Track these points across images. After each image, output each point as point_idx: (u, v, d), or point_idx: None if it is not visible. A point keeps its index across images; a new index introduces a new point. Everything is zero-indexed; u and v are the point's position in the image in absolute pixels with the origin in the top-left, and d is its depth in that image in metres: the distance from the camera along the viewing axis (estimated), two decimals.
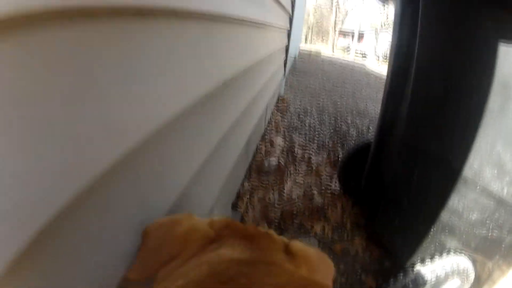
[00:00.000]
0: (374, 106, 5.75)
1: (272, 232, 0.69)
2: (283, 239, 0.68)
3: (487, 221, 1.44)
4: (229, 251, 0.58)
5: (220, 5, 1.14)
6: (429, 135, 1.59)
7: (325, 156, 3.15)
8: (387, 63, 2.05)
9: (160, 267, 0.59)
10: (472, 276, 1.53)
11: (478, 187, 1.41)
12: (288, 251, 0.64)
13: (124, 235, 0.67)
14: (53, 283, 0.48)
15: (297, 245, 0.66)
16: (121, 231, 0.66)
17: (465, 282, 1.54)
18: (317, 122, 4.16)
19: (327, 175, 2.75)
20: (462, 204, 1.46)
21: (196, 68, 0.98)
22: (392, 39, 1.93)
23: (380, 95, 6.35)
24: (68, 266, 0.50)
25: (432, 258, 1.57)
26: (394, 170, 1.84)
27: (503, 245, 1.47)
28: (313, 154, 3.15)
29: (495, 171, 1.36)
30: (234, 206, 2.06)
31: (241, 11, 1.46)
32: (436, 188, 1.56)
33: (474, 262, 1.53)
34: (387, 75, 1.98)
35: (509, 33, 1.25)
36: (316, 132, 3.76)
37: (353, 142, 3.61)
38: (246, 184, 2.33)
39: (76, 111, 0.47)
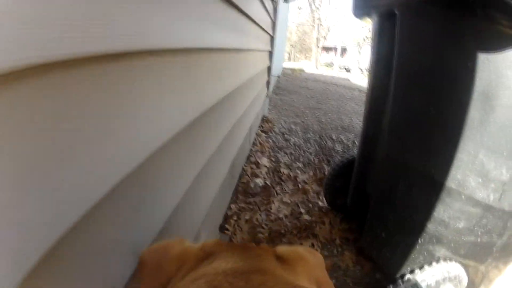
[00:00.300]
0: (358, 120, 5.78)
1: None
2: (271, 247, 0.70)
3: (475, 228, 1.45)
4: (223, 263, 0.59)
5: (199, 39, 1.15)
6: (411, 149, 1.59)
7: (311, 173, 3.16)
8: (368, 77, 2.07)
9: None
10: (465, 281, 1.54)
11: (463, 197, 1.42)
12: (278, 256, 0.66)
13: (115, 258, 0.72)
14: None
15: (284, 248, 0.69)
16: (112, 255, 0.71)
17: (458, 287, 1.55)
18: (302, 140, 4.17)
19: (314, 193, 2.76)
20: (448, 214, 1.47)
21: (177, 100, 1.00)
22: (371, 54, 1.95)
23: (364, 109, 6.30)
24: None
25: (421, 268, 1.57)
26: (378, 184, 1.85)
27: (494, 249, 1.49)
28: (299, 172, 3.16)
29: (480, 180, 1.38)
30: (222, 229, 2.07)
31: (220, 41, 1.48)
32: (420, 200, 1.57)
33: (465, 267, 1.54)
34: (368, 90, 2.00)
35: (488, 43, 1.26)
36: (302, 151, 3.77)
37: (339, 158, 3.62)
38: (233, 206, 2.33)
39: (68, 149, 0.51)
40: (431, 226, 1.53)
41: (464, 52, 1.33)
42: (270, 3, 3.71)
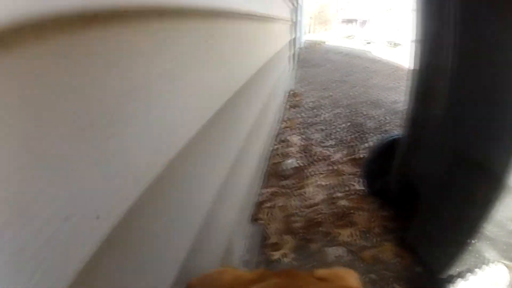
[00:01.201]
0: (386, 95, 5.58)
1: None
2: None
3: None
4: (266, 284, 0.64)
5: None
6: (471, 140, 1.45)
7: (344, 152, 3.00)
8: (412, 54, 1.86)
9: None
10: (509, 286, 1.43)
11: None
12: (317, 278, 0.69)
13: (154, 267, 0.66)
14: None
15: (322, 270, 0.72)
16: (151, 264, 0.65)
17: None
18: (332, 115, 4.02)
19: (349, 175, 2.59)
20: (506, 214, 1.35)
21: (202, 81, 0.84)
22: (417, 30, 1.76)
23: (390, 83, 6.14)
24: None
25: (471, 271, 1.46)
26: (430, 174, 1.69)
27: None
28: (332, 151, 3.01)
29: None
30: (254, 218, 1.91)
31: (246, 4, 1.33)
32: (478, 196, 1.43)
33: (509, 269, 1.42)
34: (413, 70, 1.81)
35: None
36: (333, 127, 3.62)
37: (371, 135, 3.49)
38: (264, 191, 2.18)
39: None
40: (487, 226, 1.41)
41: None
42: None
